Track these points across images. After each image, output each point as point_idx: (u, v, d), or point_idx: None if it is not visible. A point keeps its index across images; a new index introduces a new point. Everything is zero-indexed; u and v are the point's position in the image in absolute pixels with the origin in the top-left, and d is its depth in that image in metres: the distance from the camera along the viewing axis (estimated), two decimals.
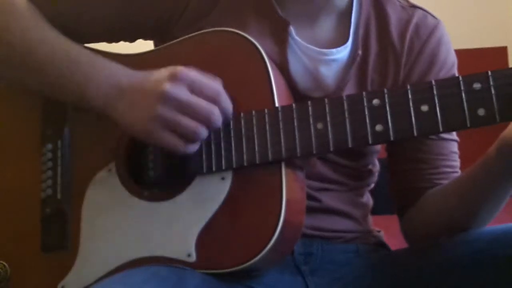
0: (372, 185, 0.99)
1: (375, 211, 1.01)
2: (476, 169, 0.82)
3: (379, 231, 0.99)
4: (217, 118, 0.75)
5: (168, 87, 0.73)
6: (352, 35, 0.89)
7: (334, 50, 0.88)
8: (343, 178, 0.92)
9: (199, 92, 0.74)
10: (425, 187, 0.91)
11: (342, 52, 0.88)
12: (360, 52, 0.88)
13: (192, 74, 0.74)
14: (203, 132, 0.75)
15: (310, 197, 0.86)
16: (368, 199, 0.99)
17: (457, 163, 0.93)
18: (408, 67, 0.91)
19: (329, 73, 0.88)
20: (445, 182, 0.91)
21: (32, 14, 0.85)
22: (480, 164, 0.81)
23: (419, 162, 0.91)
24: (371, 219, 0.99)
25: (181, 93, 0.73)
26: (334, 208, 0.91)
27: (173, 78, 0.74)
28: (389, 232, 1.01)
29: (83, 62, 0.81)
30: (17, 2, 0.86)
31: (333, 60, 0.88)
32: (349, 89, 0.88)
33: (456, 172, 0.92)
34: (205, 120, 0.74)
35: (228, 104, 0.76)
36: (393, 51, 0.90)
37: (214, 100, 0.75)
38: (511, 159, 0.75)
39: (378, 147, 0.96)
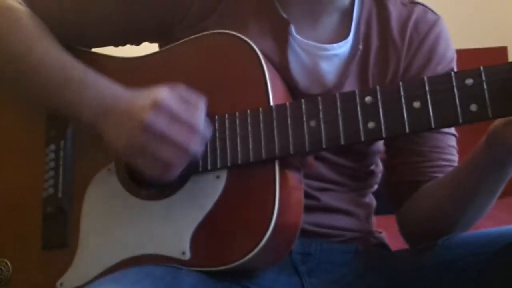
0: (375, 187, 0.99)
1: (376, 211, 1.00)
2: (466, 162, 0.83)
3: (380, 232, 0.99)
4: (194, 148, 0.75)
5: (149, 116, 0.73)
6: (353, 30, 0.90)
7: (335, 45, 0.89)
8: (343, 179, 0.92)
9: (178, 121, 0.74)
10: (421, 181, 0.91)
11: (343, 47, 0.89)
12: (361, 46, 0.89)
13: (173, 103, 0.75)
14: (178, 162, 0.75)
15: (309, 195, 0.86)
16: (371, 199, 0.99)
17: (454, 157, 0.93)
18: (407, 62, 0.91)
19: (330, 69, 0.89)
20: (441, 175, 0.90)
21: (35, 26, 0.87)
22: (470, 157, 0.81)
23: (414, 155, 0.91)
24: (374, 220, 0.99)
25: (160, 123, 0.73)
26: (333, 206, 0.91)
27: (155, 107, 0.74)
28: (391, 232, 1.01)
29: (74, 81, 0.82)
30: (21, 13, 0.88)
31: (335, 55, 0.89)
32: (350, 84, 0.88)
33: (453, 166, 0.92)
34: (181, 151, 0.74)
35: (206, 132, 0.77)
36: (394, 46, 0.91)
37: (193, 129, 0.74)
38: (499, 151, 0.75)
39: (380, 146, 0.96)
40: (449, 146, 0.92)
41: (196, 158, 0.77)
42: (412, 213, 0.92)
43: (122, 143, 0.76)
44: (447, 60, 0.93)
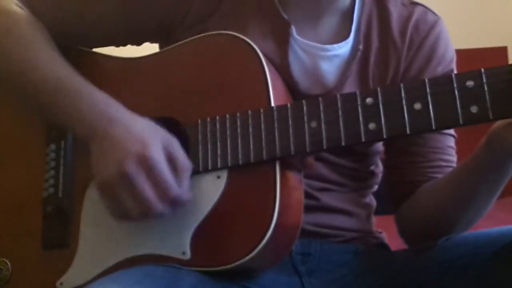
0: (376, 187, 0.99)
1: (376, 211, 1.00)
2: (467, 163, 0.83)
3: (380, 232, 0.99)
4: (157, 212, 0.75)
5: (130, 167, 0.73)
6: (354, 31, 0.90)
7: (335, 45, 0.89)
8: (343, 180, 0.92)
9: (154, 182, 0.74)
10: (420, 181, 0.91)
11: (344, 48, 0.89)
12: (361, 47, 0.89)
13: (159, 162, 0.74)
14: (137, 217, 0.75)
15: (309, 195, 0.86)
16: (371, 200, 0.99)
17: (453, 157, 0.93)
18: (407, 62, 0.92)
19: (330, 69, 0.89)
20: (440, 176, 0.91)
21: (33, 32, 0.87)
22: (470, 157, 0.82)
23: (414, 155, 0.92)
24: (374, 220, 0.99)
25: (137, 178, 0.74)
26: (333, 206, 0.91)
27: (140, 158, 0.74)
28: (391, 232, 1.01)
29: (70, 91, 0.81)
30: (19, 18, 0.87)
31: (335, 56, 0.89)
32: (350, 84, 0.89)
33: (451, 166, 0.92)
34: (144, 209, 0.75)
35: (184, 196, 0.76)
36: (394, 47, 0.91)
37: (164, 196, 0.74)
38: (499, 152, 0.76)
39: (380, 147, 0.96)
40: (448, 147, 0.93)
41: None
42: (411, 213, 0.92)
43: (99, 173, 0.77)
44: (447, 60, 0.93)
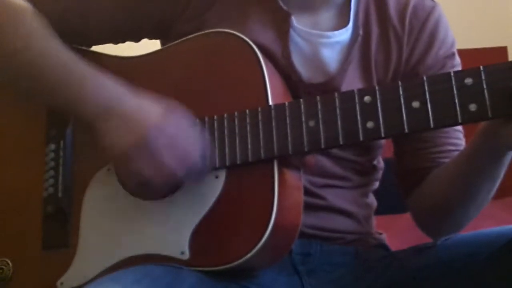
0: (377, 184, 0.99)
1: (376, 211, 1.00)
2: (467, 148, 0.83)
3: (380, 233, 0.99)
4: (178, 180, 0.77)
5: (149, 136, 0.75)
6: (353, 18, 0.90)
7: (336, 32, 0.89)
8: (347, 173, 0.92)
9: (174, 149, 0.76)
10: (429, 167, 0.90)
11: (344, 35, 0.90)
12: (361, 32, 0.89)
13: (175, 130, 0.76)
14: (159, 186, 0.77)
15: (314, 194, 0.87)
16: (372, 200, 0.99)
17: (460, 141, 0.92)
18: (410, 47, 0.92)
19: (332, 55, 0.89)
20: (448, 160, 0.90)
21: (37, 23, 0.87)
22: (469, 144, 0.82)
23: (421, 141, 0.91)
24: (374, 220, 0.99)
25: (156, 146, 0.75)
26: (338, 207, 0.91)
27: (157, 126, 0.76)
28: (391, 232, 1.01)
29: (77, 77, 0.82)
30: (23, 10, 0.87)
31: (336, 42, 0.89)
32: (353, 71, 0.89)
33: (459, 150, 0.91)
34: (165, 178, 0.76)
35: (195, 170, 0.77)
36: (395, 32, 0.91)
37: (183, 163, 0.76)
38: (498, 146, 0.75)
39: (383, 141, 0.96)
40: (455, 130, 0.92)
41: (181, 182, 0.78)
42: (422, 201, 0.91)
43: (115, 145, 0.77)
44: (448, 44, 0.93)
